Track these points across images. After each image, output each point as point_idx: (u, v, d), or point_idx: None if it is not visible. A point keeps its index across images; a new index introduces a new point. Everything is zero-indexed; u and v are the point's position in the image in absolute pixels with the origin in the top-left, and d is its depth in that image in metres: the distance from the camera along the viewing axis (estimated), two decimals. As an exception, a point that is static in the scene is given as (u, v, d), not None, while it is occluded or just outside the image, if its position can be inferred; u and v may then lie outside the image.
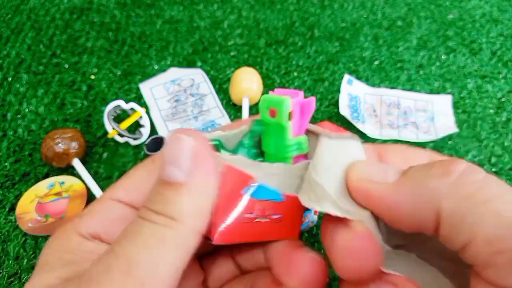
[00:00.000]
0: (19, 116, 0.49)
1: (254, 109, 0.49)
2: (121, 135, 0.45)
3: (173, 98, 0.51)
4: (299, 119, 0.17)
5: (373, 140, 0.46)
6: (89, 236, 0.16)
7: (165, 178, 0.15)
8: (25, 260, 0.37)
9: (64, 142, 0.42)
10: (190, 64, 0.55)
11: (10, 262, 0.37)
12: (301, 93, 0.17)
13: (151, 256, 0.14)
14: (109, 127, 0.45)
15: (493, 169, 0.44)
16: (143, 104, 0.49)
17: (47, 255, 0.16)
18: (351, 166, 0.16)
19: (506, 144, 0.46)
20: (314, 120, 0.48)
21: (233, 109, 0.49)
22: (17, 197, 0.41)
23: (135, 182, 0.17)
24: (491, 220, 0.13)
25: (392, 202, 0.15)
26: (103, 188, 0.41)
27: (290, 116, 0.17)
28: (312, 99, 0.17)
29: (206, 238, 0.16)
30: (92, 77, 0.53)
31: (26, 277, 0.36)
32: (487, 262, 0.13)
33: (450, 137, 0.46)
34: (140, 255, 0.13)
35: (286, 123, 0.17)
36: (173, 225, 0.14)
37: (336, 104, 0.49)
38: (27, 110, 0.49)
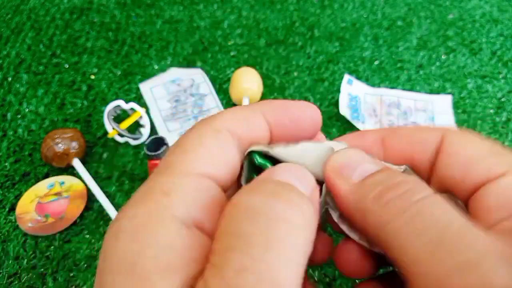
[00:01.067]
0: (19, 116, 0.49)
1: (254, 109, 0.49)
2: (121, 135, 0.45)
3: (173, 98, 0.51)
4: None
5: (373, 140, 0.46)
6: (191, 224, 0.13)
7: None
8: (25, 260, 0.37)
9: (64, 142, 0.42)
10: (190, 64, 0.55)
11: (10, 262, 0.37)
12: None
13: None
14: (109, 127, 0.45)
15: (493, 169, 0.44)
16: (143, 104, 0.49)
17: (140, 256, 0.12)
18: (334, 154, 0.17)
19: (506, 144, 0.46)
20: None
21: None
22: (17, 197, 0.41)
23: (214, 154, 0.15)
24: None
25: (346, 204, 0.15)
26: (103, 188, 0.41)
27: None
28: None
29: None
30: (92, 77, 0.53)
31: (26, 277, 0.36)
32: None
33: (450, 137, 0.46)
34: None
35: None
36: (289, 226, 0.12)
37: (336, 104, 0.49)
38: (27, 110, 0.49)
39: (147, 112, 0.48)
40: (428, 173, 0.17)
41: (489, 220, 0.14)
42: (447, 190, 0.16)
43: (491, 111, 0.50)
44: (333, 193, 0.16)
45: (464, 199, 0.16)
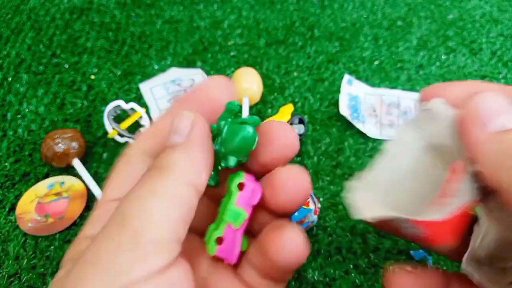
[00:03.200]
0: (19, 116, 0.49)
1: (254, 109, 0.49)
2: (121, 135, 0.45)
3: (173, 98, 0.51)
4: (249, 196, 0.18)
5: (373, 140, 0.46)
6: None
7: (168, 144, 0.16)
8: (25, 260, 0.37)
9: (64, 142, 0.42)
10: (190, 64, 0.55)
11: (10, 262, 0.37)
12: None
13: (144, 207, 0.14)
14: (109, 127, 0.45)
15: (493, 169, 0.44)
16: (143, 104, 0.49)
17: (67, 254, 0.17)
18: (473, 97, 0.16)
19: (506, 144, 0.46)
20: (314, 120, 0.49)
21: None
22: (17, 197, 0.41)
23: (125, 179, 0.18)
24: None
25: (481, 155, 0.15)
26: (103, 188, 0.41)
27: (240, 187, 0.18)
28: (259, 189, 0.19)
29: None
30: (92, 77, 0.53)
31: (26, 277, 0.36)
32: None
33: (450, 137, 0.46)
34: (133, 208, 0.15)
35: (234, 190, 0.18)
36: (163, 174, 0.15)
37: (336, 104, 0.49)
38: (27, 110, 0.49)
39: (147, 112, 0.48)
40: None
41: None
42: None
43: (491, 111, 0.50)
44: (467, 142, 0.16)
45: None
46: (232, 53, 0.56)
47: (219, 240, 0.19)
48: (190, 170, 0.16)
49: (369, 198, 0.18)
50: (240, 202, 0.18)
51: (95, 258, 0.14)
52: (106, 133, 0.46)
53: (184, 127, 0.17)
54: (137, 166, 0.18)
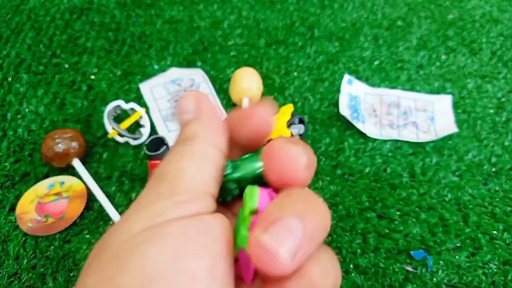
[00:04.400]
0: (19, 116, 0.49)
1: (254, 109, 0.49)
2: (121, 135, 0.45)
3: (173, 98, 0.51)
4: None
5: (373, 140, 0.46)
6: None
7: (181, 124, 0.19)
8: (25, 260, 0.37)
9: (64, 142, 0.42)
10: (190, 64, 0.55)
11: (10, 262, 0.37)
12: None
13: (177, 166, 0.17)
14: (109, 127, 0.45)
15: (493, 169, 0.44)
16: (143, 104, 0.49)
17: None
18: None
19: (506, 144, 0.46)
20: (314, 120, 0.49)
21: (233, 109, 0.49)
22: (17, 197, 0.41)
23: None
24: None
25: None
26: (103, 188, 0.41)
27: (253, 213, 0.18)
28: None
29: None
30: (92, 77, 0.53)
31: (26, 277, 0.36)
32: None
33: (450, 137, 0.46)
34: (168, 168, 0.17)
35: (247, 215, 0.18)
36: (188, 143, 0.18)
37: (336, 104, 0.49)
38: (27, 110, 0.49)
39: (147, 112, 0.48)
40: None
41: None
42: None
43: (491, 111, 0.50)
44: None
45: None
46: (232, 53, 0.56)
47: (234, 259, 0.18)
48: (210, 134, 0.18)
49: None
50: (252, 227, 0.18)
51: (137, 205, 0.16)
52: (106, 133, 0.46)
53: (191, 105, 0.19)
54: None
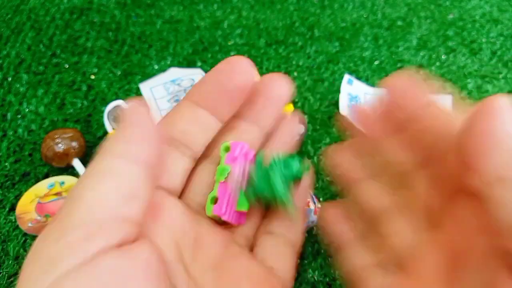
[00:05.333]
0: (19, 116, 0.49)
1: (254, 109, 0.49)
2: (121, 135, 0.45)
3: (173, 98, 0.51)
4: (235, 154, 0.20)
5: (373, 140, 0.46)
6: None
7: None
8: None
9: (64, 142, 0.42)
10: (190, 64, 0.55)
11: (10, 262, 0.37)
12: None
13: (74, 193, 0.14)
14: (109, 127, 0.45)
15: (493, 169, 0.44)
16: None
17: None
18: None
19: (506, 144, 0.46)
20: (314, 120, 0.49)
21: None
22: (17, 197, 0.41)
23: None
24: None
25: None
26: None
27: (227, 149, 0.20)
28: (246, 145, 0.21)
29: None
30: (92, 77, 0.53)
31: (26, 277, 0.36)
32: None
33: (450, 137, 0.46)
34: (67, 199, 0.14)
35: (222, 154, 0.21)
36: (95, 158, 0.15)
37: (336, 104, 0.49)
38: (27, 110, 0.49)
39: (147, 112, 0.48)
40: None
41: None
42: None
43: (491, 111, 0.50)
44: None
45: None
46: (232, 53, 0.56)
47: (215, 200, 0.19)
48: (120, 145, 0.15)
49: None
50: (227, 161, 0.20)
51: (32, 256, 0.13)
52: (106, 133, 0.46)
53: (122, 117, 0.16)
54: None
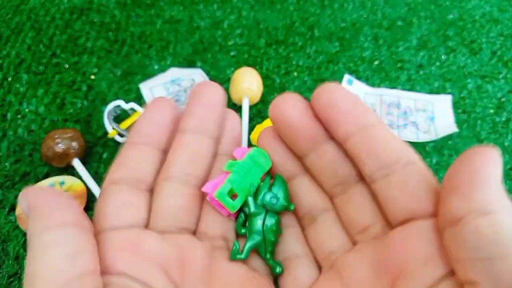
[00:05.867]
0: (19, 116, 0.49)
1: (254, 109, 0.49)
2: (121, 135, 0.45)
3: (173, 98, 0.51)
4: None
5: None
6: None
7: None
8: (25, 260, 0.37)
9: (64, 142, 0.42)
10: (190, 64, 0.55)
11: (10, 262, 0.37)
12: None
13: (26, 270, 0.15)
14: (109, 127, 0.45)
15: (493, 169, 0.44)
16: (143, 104, 0.49)
17: None
18: None
19: (506, 144, 0.46)
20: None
21: (233, 109, 0.49)
22: (17, 197, 0.41)
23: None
24: None
25: None
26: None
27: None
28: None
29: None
30: (92, 77, 0.53)
31: (26, 277, 0.36)
32: None
33: (450, 137, 0.46)
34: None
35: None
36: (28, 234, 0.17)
37: (336, 104, 0.49)
38: (27, 110, 0.49)
39: (147, 112, 0.48)
40: None
41: None
42: None
43: (491, 111, 0.50)
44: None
45: None
46: (232, 53, 0.56)
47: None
48: (43, 220, 0.16)
49: None
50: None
51: None
52: (106, 133, 0.46)
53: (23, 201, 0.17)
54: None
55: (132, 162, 0.21)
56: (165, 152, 0.22)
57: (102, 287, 0.15)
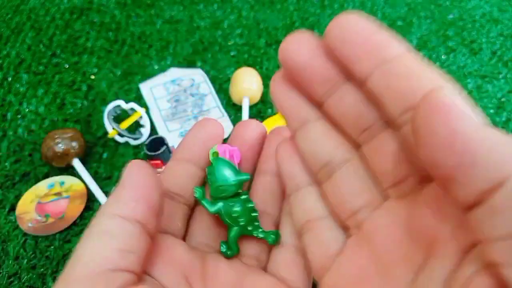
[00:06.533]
0: (19, 116, 0.49)
1: (254, 109, 0.49)
2: (121, 135, 0.45)
3: (173, 98, 0.51)
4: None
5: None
6: None
7: None
8: (25, 260, 0.37)
9: (64, 142, 0.42)
10: (190, 64, 0.55)
11: (10, 262, 0.37)
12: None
13: (75, 252, 0.16)
14: (109, 127, 0.45)
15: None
16: (143, 104, 0.49)
17: None
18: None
19: (506, 144, 0.46)
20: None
21: (233, 109, 0.49)
22: (17, 197, 0.41)
23: None
24: None
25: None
26: (103, 188, 0.41)
27: (215, 155, 0.22)
28: (236, 150, 0.21)
29: None
30: (92, 77, 0.53)
31: (26, 277, 0.36)
32: None
33: (450, 137, 0.46)
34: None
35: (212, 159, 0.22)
36: (93, 220, 0.17)
37: (336, 104, 0.49)
38: (27, 110, 0.49)
39: (147, 112, 0.48)
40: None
41: None
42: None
43: (491, 111, 0.50)
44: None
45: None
46: (232, 53, 0.56)
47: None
48: (115, 205, 0.17)
49: None
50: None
51: None
52: (106, 133, 0.46)
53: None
54: None
55: (171, 176, 0.21)
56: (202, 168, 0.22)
57: (134, 284, 0.16)
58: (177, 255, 0.19)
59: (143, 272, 0.17)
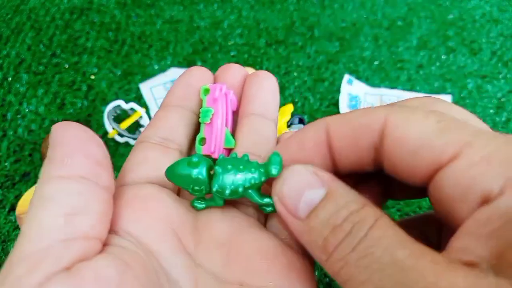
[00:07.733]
0: (19, 116, 0.49)
1: (254, 109, 0.49)
2: (121, 135, 0.45)
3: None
4: (215, 96, 0.21)
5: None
6: None
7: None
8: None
9: (64, 142, 0.42)
10: (190, 64, 0.55)
11: (10, 262, 0.37)
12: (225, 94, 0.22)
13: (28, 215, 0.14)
14: (109, 127, 0.45)
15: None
16: (143, 104, 0.49)
17: None
18: (277, 180, 0.16)
19: (506, 144, 0.46)
20: (314, 120, 0.48)
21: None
22: (17, 197, 0.41)
23: None
24: None
25: (301, 241, 0.15)
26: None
27: (206, 92, 0.21)
28: (231, 93, 0.22)
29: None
30: (92, 77, 0.53)
31: (26, 277, 0.36)
32: None
33: (450, 137, 0.46)
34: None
35: (203, 97, 0.22)
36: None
37: (336, 104, 0.49)
38: (27, 110, 0.49)
39: (147, 112, 0.48)
40: (377, 159, 0.16)
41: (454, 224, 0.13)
42: (401, 178, 0.15)
43: (491, 111, 0.50)
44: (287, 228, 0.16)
45: (421, 185, 0.14)
46: (232, 53, 0.56)
47: (203, 141, 0.21)
48: (49, 166, 0.15)
49: None
50: (209, 103, 0.21)
51: None
52: (106, 133, 0.46)
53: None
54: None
55: (160, 122, 0.20)
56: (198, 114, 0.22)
57: (98, 251, 0.14)
58: (164, 208, 0.17)
59: (112, 233, 0.15)
